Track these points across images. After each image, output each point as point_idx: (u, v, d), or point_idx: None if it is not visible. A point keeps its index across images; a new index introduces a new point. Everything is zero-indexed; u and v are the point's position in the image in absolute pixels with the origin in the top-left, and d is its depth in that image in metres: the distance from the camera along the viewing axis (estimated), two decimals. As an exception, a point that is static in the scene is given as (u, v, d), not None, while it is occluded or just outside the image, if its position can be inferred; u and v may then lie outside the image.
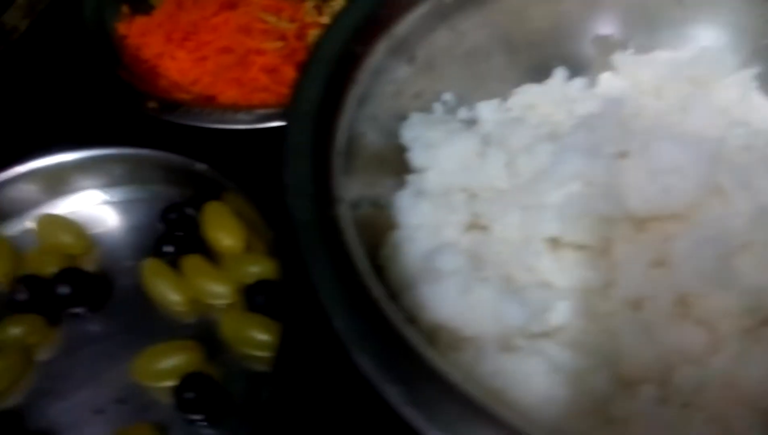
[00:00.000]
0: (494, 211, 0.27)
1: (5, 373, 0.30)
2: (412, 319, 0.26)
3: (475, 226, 0.28)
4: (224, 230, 0.33)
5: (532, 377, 0.22)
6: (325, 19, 0.39)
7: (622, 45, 0.32)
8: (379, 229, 0.29)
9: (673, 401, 0.23)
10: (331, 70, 0.27)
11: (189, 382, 0.29)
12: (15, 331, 0.31)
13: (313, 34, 0.38)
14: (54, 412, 0.30)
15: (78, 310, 0.32)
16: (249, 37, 0.37)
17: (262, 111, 0.34)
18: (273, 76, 0.37)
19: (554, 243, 0.26)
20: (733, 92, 0.29)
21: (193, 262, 0.32)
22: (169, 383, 0.30)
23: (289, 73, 0.37)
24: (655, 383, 0.23)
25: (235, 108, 0.34)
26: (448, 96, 0.32)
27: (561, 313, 0.24)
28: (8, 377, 0.30)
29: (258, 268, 0.32)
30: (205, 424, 0.29)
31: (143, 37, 0.39)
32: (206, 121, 0.34)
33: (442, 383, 0.19)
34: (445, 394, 0.19)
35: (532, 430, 0.18)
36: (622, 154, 0.27)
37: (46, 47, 0.41)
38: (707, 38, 0.31)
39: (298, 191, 0.23)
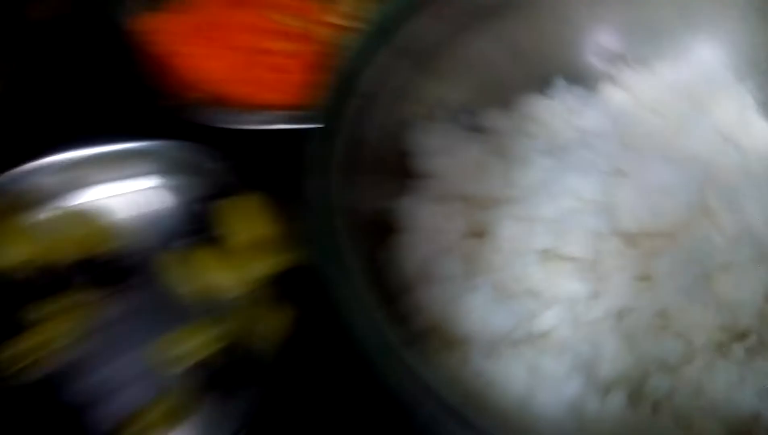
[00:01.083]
0: (490, 221, 0.30)
1: (34, 350, 0.34)
2: (407, 319, 0.29)
3: (474, 233, 0.31)
4: (238, 225, 0.36)
5: (511, 381, 0.24)
6: (333, 18, 0.41)
7: (622, 57, 0.34)
8: (379, 232, 0.32)
9: (643, 405, 0.25)
10: (344, 77, 0.30)
11: (206, 363, 0.32)
12: (46, 310, 0.34)
13: (321, 33, 0.40)
14: (80, 387, 0.33)
15: (96, 296, 0.35)
16: (260, 36, 0.39)
17: (269, 113, 0.37)
18: (282, 76, 0.39)
19: (545, 254, 0.29)
20: (730, 111, 0.31)
21: (205, 255, 0.35)
22: (187, 365, 0.33)
23: (298, 72, 0.39)
24: (628, 388, 0.25)
25: (243, 109, 0.37)
26: (452, 102, 0.34)
27: (547, 321, 0.27)
28: (36, 353, 0.34)
29: (269, 262, 0.35)
30: (224, 402, 0.32)
31: (157, 34, 0.41)
32: (217, 121, 0.36)
33: (419, 384, 0.22)
34: (425, 395, 0.22)
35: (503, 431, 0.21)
36: (617, 172, 0.29)
37: (69, 41, 0.43)
38: (708, 53, 0.33)
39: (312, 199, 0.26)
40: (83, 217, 0.38)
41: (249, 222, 0.36)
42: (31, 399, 0.33)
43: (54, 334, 0.35)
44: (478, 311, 0.27)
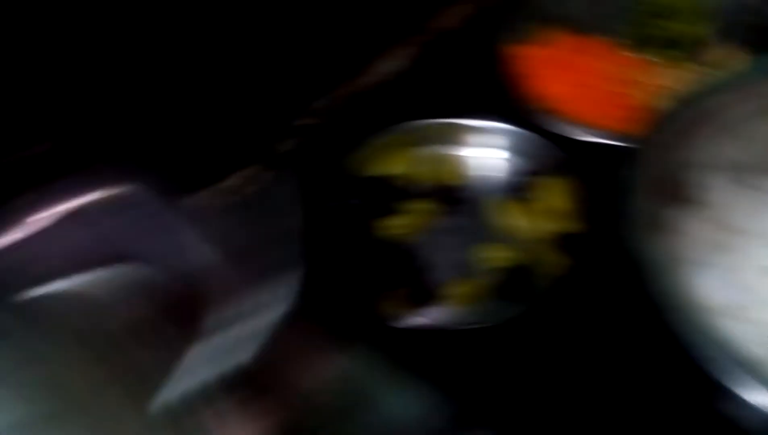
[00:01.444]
0: (731, 240, 0.45)
1: (399, 227, 0.56)
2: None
3: (718, 246, 0.45)
4: (546, 194, 0.55)
5: (716, 333, 0.39)
6: (651, 77, 0.58)
7: None
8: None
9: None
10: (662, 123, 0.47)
11: (498, 271, 0.52)
12: (409, 206, 0.57)
13: (640, 85, 0.57)
14: (418, 258, 0.55)
15: (439, 209, 0.57)
16: (592, 75, 0.58)
17: (588, 129, 0.55)
18: (603, 107, 0.57)
19: (766, 270, 0.43)
20: None
21: (517, 206, 0.55)
22: (486, 267, 0.53)
23: (614, 107, 0.57)
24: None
25: (570, 122, 0.56)
26: (729, 158, 0.49)
27: (752, 313, 0.41)
28: (400, 229, 0.56)
29: (558, 224, 0.54)
30: (501, 300, 0.52)
31: (521, 59, 0.61)
32: (552, 126, 0.56)
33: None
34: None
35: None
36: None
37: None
38: None
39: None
40: (447, 160, 0.59)
41: (554, 194, 0.55)
42: (392, 253, 0.55)
43: (416, 222, 0.57)
44: (709, 288, 0.42)
